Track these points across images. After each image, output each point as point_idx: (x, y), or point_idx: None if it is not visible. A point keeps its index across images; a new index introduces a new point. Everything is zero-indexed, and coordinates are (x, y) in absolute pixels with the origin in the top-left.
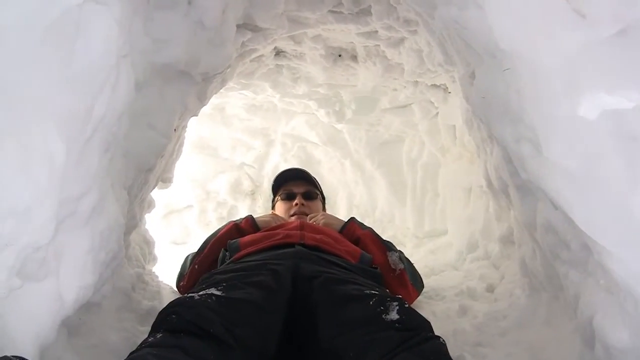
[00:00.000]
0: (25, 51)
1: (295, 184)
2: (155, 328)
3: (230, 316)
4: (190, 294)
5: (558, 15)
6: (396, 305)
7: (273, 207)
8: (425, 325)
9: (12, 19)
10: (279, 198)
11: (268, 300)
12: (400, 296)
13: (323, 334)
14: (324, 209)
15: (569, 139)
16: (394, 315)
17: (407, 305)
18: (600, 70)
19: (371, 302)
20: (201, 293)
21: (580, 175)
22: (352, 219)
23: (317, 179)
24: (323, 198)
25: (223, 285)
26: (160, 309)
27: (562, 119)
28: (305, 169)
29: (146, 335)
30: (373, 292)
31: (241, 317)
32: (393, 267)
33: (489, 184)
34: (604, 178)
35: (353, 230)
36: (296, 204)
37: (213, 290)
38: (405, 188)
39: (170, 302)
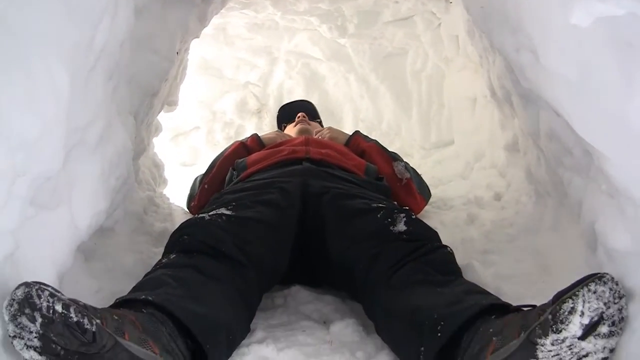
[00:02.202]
0: None
1: (300, 111)
2: (168, 249)
3: (242, 234)
4: (201, 215)
5: None
6: (403, 217)
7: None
8: (433, 234)
9: None
10: (284, 125)
11: (278, 217)
12: (407, 208)
13: (333, 247)
14: None
15: (564, 47)
16: (401, 227)
17: (414, 217)
18: None
19: (379, 215)
20: (212, 213)
21: (576, 83)
22: (357, 132)
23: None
24: (321, 125)
25: (233, 205)
26: (173, 230)
27: (556, 28)
28: (309, 100)
29: (160, 257)
30: (380, 205)
31: (252, 235)
32: (399, 177)
33: (493, 93)
34: (600, 85)
35: (358, 143)
36: (299, 117)
37: (223, 210)
38: (411, 100)
39: (181, 224)
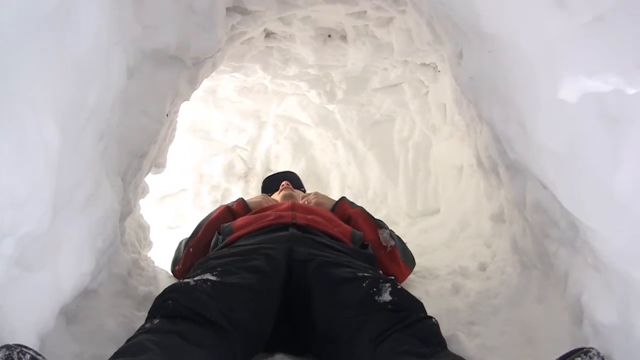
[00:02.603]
0: (20, 43)
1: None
2: (152, 314)
3: (226, 301)
4: (185, 280)
5: (538, 1)
6: (389, 287)
7: None
8: (418, 305)
9: (8, 12)
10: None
11: (263, 284)
12: (392, 277)
13: (317, 316)
14: None
15: (552, 121)
16: (386, 297)
17: (399, 287)
18: (579, 54)
19: (364, 284)
20: (197, 278)
21: (564, 156)
22: (343, 198)
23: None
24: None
25: (218, 270)
26: (157, 294)
27: (544, 102)
28: (292, 171)
29: (143, 321)
30: (366, 274)
31: (237, 301)
32: (384, 244)
33: (479, 162)
34: (586, 158)
35: (344, 209)
36: (283, 187)
37: (208, 276)
38: (398, 167)
39: (166, 288)
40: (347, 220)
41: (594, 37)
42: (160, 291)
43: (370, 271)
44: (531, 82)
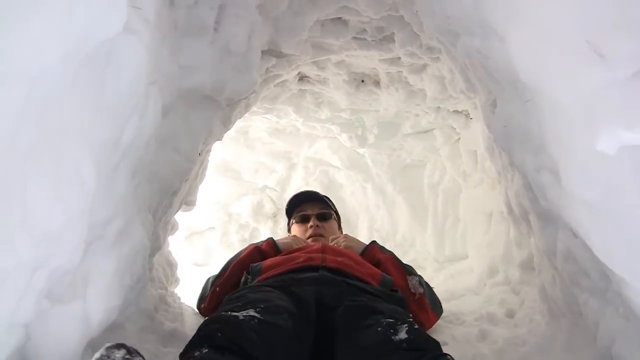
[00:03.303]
0: (63, 84)
1: (309, 206)
2: (197, 343)
3: (270, 340)
4: (233, 313)
5: (578, 54)
6: (405, 327)
7: (289, 231)
8: (434, 344)
9: (52, 55)
10: (294, 221)
11: (300, 327)
12: (410, 319)
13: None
14: (339, 228)
15: (587, 172)
16: (402, 335)
17: (416, 326)
18: (618, 108)
19: (383, 325)
20: (244, 314)
21: (598, 207)
22: (374, 242)
23: (330, 199)
24: (338, 217)
25: (261, 307)
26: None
27: (581, 152)
28: (316, 190)
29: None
30: (389, 320)
31: (279, 342)
32: (413, 291)
33: (510, 210)
34: (621, 210)
35: (374, 253)
36: (311, 226)
37: (252, 312)
38: (427, 212)
39: (214, 318)
40: (377, 264)
41: (633, 91)
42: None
43: (396, 315)
44: (567, 132)
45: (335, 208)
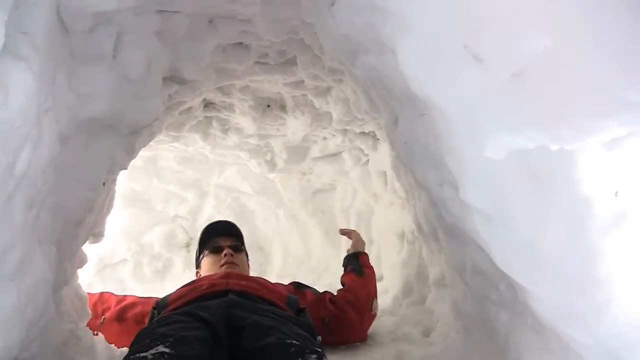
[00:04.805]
0: None
1: (223, 238)
2: None
3: None
4: (142, 354)
5: (458, 59)
6: (314, 358)
7: (198, 265)
8: None
9: None
10: (206, 252)
11: (213, 354)
12: (320, 349)
13: None
14: (247, 264)
15: (480, 181)
16: None
17: (325, 359)
18: (501, 112)
19: (291, 350)
20: (152, 352)
21: (494, 216)
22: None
23: (241, 232)
24: (246, 253)
25: (170, 341)
26: None
27: (472, 162)
28: (230, 221)
29: None
30: (294, 342)
31: None
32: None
33: (419, 228)
34: (515, 218)
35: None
36: (225, 254)
37: (161, 348)
38: (340, 236)
39: None
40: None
41: (514, 94)
42: None
43: (300, 339)
44: (458, 143)
45: (244, 245)
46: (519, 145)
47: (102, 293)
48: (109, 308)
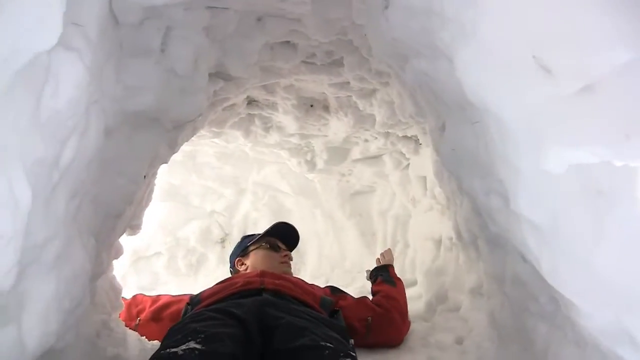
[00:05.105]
0: None
1: (282, 243)
2: None
3: None
4: (172, 349)
5: (524, 70)
6: None
7: (244, 255)
8: None
9: None
10: (263, 245)
11: (244, 352)
12: (353, 353)
13: None
14: None
15: (535, 193)
16: None
17: None
18: (565, 125)
19: (325, 353)
20: (183, 347)
21: (546, 229)
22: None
23: None
24: None
25: (201, 337)
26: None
27: (528, 173)
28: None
29: None
30: (328, 344)
31: None
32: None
33: (459, 236)
34: (569, 232)
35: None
36: (286, 255)
37: (193, 344)
38: (376, 239)
39: (154, 358)
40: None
41: (581, 107)
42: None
43: (334, 342)
44: (514, 153)
45: None
46: (581, 159)
47: (135, 295)
48: (143, 310)
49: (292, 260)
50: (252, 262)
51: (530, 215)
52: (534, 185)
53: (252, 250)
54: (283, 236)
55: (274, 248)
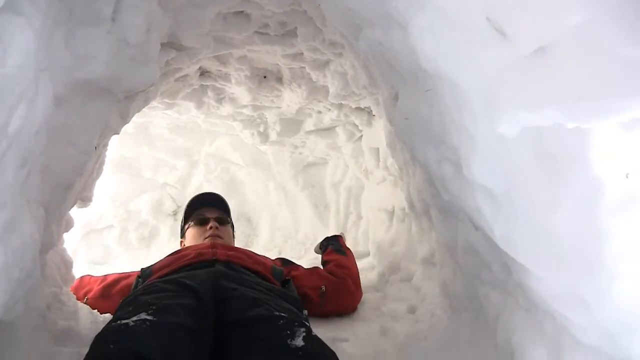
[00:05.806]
0: None
1: (209, 210)
2: (93, 357)
3: (166, 342)
4: (123, 321)
5: (479, 34)
6: (303, 332)
7: (183, 235)
8: (330, 355)
9: None
10: (192, 224)
11: (198, 323)
12: (307, 323)
13: (236, 352)
14: (233, 236)
15: (489, 159)
16: (299, 342)
17: (313, 334)
18: (519, 88)
19: (279, 323)
20: (134, 319)
21: (500, 195)
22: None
23: (228, 205)
24: (232, 227)
25: (153, 309)
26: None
27: (482, 138)
28: (218, 193)
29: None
30: (282, 314)
31: (177, 342)
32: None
33: (411, 206)
34: (523, 197)
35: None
36: (210, 227)
37: (144, 315)
38: (329, 210)
39: (104, 330)
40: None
41: (535, 70)
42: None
43: (288, 312)
44: (468, 118)
45: (231, 217)
46: (534, 122)
47: (81, 277)
48: (90, 290)
49: (218, 228)
50: (188, 242)
51: (484, 181)
52: (488, 151)
53: (186, 230)
54: (205, 204)
55: (201, 222)
